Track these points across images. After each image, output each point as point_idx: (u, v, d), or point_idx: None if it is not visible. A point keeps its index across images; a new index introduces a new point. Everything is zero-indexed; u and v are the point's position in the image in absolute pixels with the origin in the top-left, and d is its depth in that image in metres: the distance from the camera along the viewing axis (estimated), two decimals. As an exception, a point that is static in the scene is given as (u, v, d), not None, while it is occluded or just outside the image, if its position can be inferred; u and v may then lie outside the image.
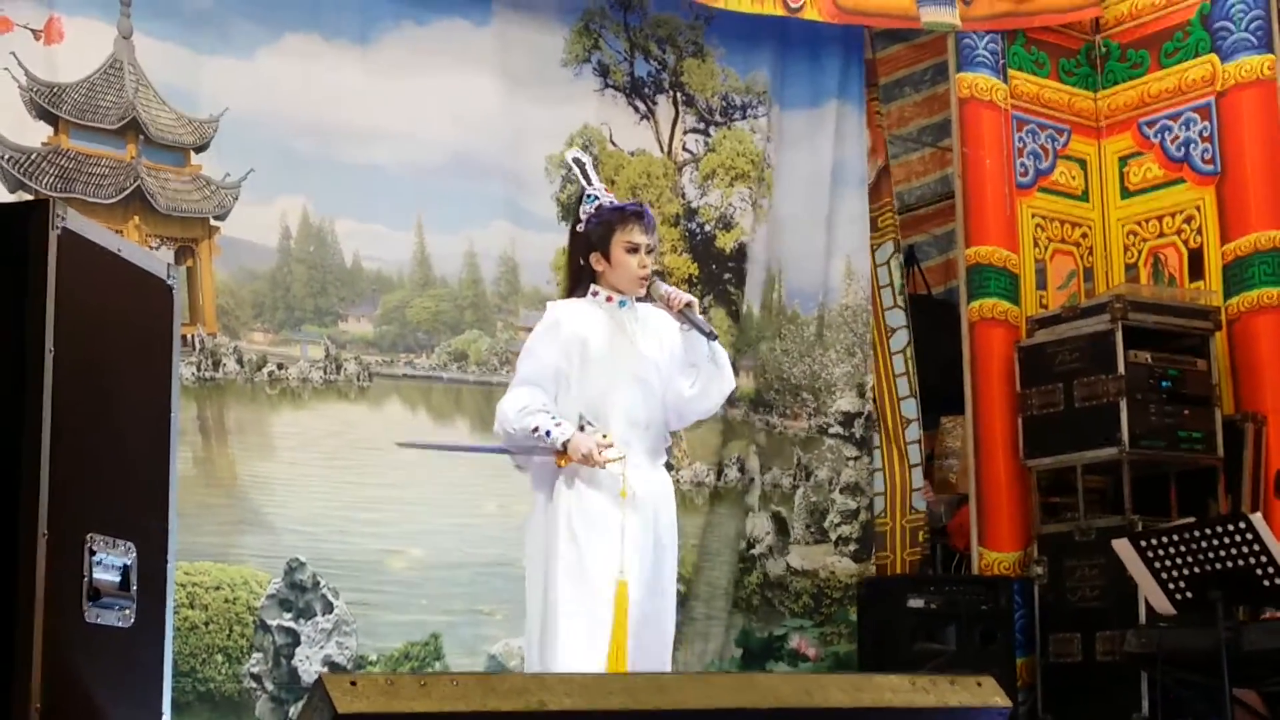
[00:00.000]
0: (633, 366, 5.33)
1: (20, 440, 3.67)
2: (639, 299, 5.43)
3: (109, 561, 3.90)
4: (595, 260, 5.41)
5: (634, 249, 5.36)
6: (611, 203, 5.47)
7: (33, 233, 3.78)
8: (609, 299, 5.41)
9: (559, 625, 5.10)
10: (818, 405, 9.21)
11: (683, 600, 5.54)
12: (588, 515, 5.19)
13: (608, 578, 5.09)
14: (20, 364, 3.70)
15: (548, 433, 5.18)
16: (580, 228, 5.45)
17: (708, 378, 5.37)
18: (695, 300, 5.39)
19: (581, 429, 5.25)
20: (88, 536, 3.85)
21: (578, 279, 5.49)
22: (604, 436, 5.17)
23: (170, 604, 4.18)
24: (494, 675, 5.07)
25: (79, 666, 3.83)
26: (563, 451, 5.17)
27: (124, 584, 3.96)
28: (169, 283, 4.36)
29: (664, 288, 5.37)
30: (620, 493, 5.17)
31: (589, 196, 5.46)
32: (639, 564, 5.17)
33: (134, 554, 4.01)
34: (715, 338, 5.35)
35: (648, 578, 5.21)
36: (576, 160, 5.57)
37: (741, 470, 8.88)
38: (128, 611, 3.98)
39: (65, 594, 3.74)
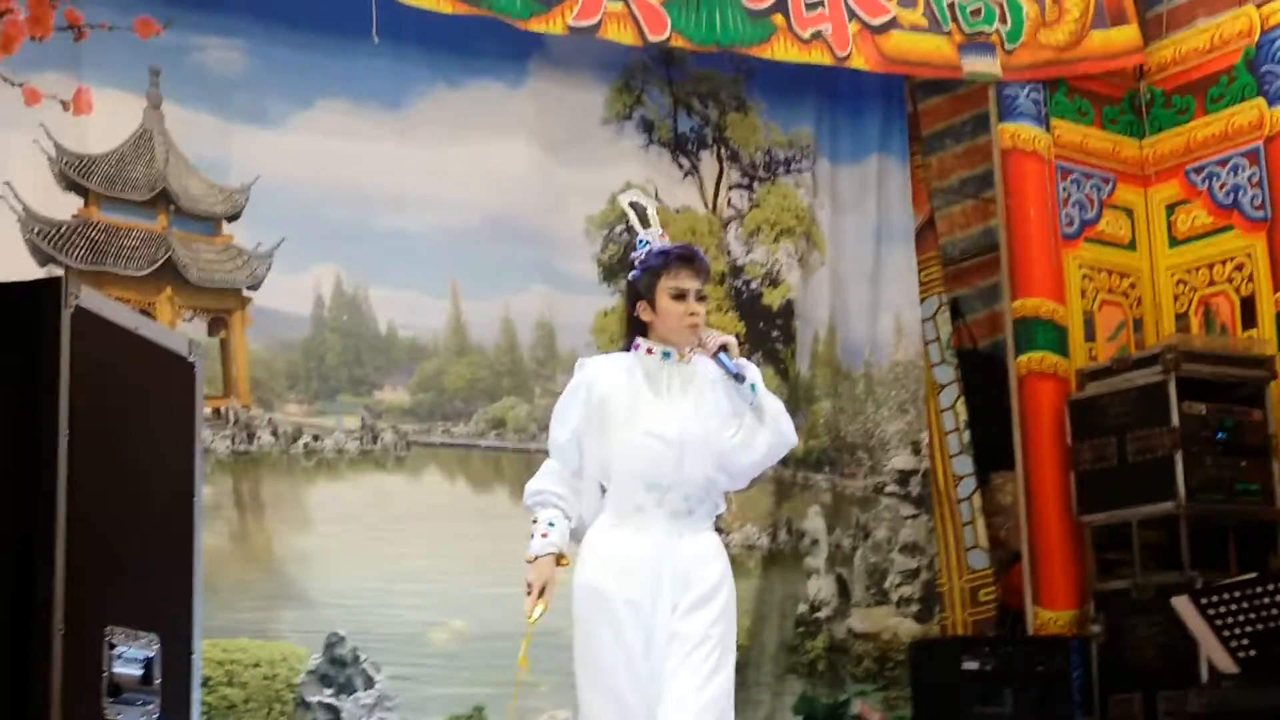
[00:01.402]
0: (651, 426, 4.96)
1: (34, 531, 3.55)
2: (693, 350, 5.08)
3: (130, 655, 3.79)
4: (642, 310, 5.05)
5: (680, 295, 4.98)
6: (661, 247, 5.10)
7: (45, 312, 3.67)
8: (649, 351, 5.06)
9: None
10: (874, 464, 9.07)
11: (738, 668, 5.23)
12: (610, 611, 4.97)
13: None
14: (33, 451, 3.58)
15: (531, 535, 5.04)
16: (631, 276, 5.14)
17: (750, 429, 4.97)
18: (732, 341, 4.99)
19: (604, 491, 5.03)
20: (107, 629, 3.73)
21: (629, 332, 5.15)
22: (540, 608, 4.99)
23: (196, 695, 4.06)
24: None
25: (99, 766, 3.70)
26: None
27: (146, 678, 3.84)
28: (190, 360, 4.25)
29: (704, 333, 5.00)
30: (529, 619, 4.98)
31: (641, 242, 5.14)
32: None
33: (157, 645, 3.90)
34: (742, 381, 4.94)
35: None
36: (634, 204, 5.23)
37: (790, 532, 8.71)
38: (151, 707, 3.87)
39: (84, 691, 3.63)
